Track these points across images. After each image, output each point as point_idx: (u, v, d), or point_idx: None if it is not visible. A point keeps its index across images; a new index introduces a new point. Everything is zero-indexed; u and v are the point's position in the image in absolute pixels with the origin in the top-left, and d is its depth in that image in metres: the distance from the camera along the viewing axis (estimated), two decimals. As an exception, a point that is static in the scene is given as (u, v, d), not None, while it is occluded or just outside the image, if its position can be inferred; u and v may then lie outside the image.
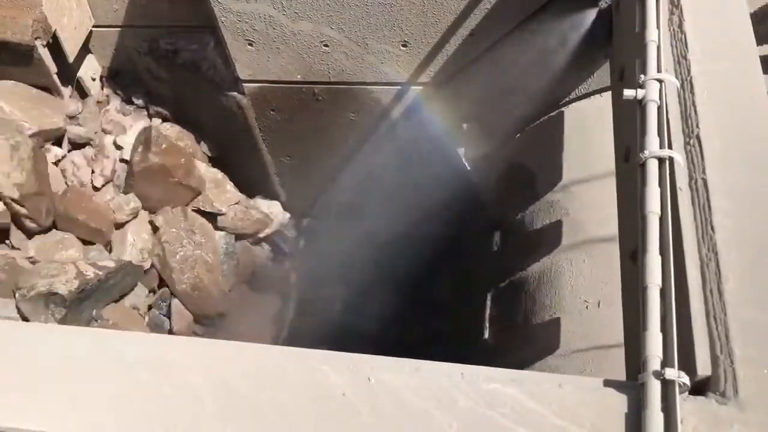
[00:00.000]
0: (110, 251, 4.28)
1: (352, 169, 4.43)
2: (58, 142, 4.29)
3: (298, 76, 3.82)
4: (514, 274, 3.65)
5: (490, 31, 3.37)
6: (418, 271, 4.41)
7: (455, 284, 4.64)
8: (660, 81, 1.73)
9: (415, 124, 3.96)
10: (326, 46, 3.63)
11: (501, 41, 3.39)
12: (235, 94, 4.02)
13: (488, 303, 4.00)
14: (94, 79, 4.44)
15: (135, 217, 4.36)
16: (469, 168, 4.16)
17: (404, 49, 3.57)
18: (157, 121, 4.54)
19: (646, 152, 1.60)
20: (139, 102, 4.59)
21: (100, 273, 3.91)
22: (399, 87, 3.81)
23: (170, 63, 4.24)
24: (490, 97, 3.61)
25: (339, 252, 4.55)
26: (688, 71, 1.81)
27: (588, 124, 3.48)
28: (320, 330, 4.30)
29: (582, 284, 3.19)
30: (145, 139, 4.29)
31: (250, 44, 3.67)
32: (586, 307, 3.13)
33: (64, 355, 1.58)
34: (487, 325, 3.96)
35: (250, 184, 4.67)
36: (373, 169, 4.38)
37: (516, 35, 3.33)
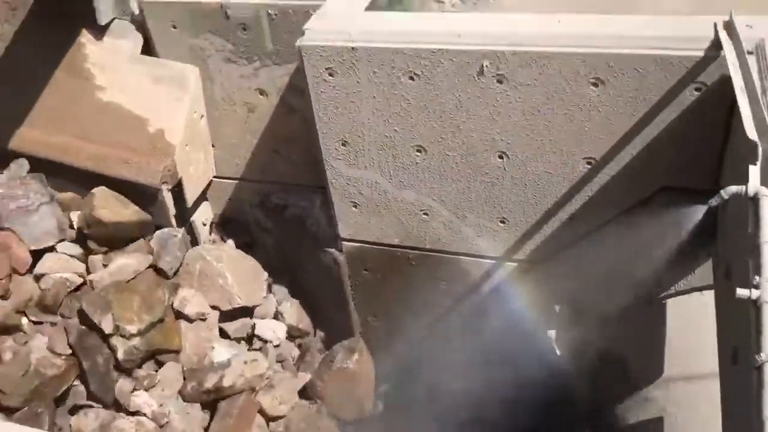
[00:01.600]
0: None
1: (436, 339, 4.38)
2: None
3: (396, 240, 3.95)
4: (602, 472, 3.39)
5: (591, 217, 3.41)
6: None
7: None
8: (776, 283, 1.67)
9: (506, 300, 3.93)
10: (426, 214, 3.77)
11: (602, 228, 3.41)
12: (333, 250, 4.18)
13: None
14: (204, 225, 4.74)
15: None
16: (558, 353, 4.03)
17: (502, 225, 3.65)
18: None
19: (763, 355, 1.52)
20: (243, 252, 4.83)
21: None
22: (493, 261, 3.85)
23: (278, 216, 4.51)
24: (586, 282, 3.56)
25: (413, 427, 4.40)
26: (806, 275, 1.75)
27: (689, 320, 3.35)
28: None
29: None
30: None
31: (355, 206, 3.86)
32: None
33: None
34: None
35: (335, 340, 4.68)
36: (457, 342, 4.31)
37: (618, 224, 3.35)
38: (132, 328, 3.92)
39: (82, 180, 4.18)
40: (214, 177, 4.61)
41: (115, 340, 3.90)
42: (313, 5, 3.68)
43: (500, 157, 3.37)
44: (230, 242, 4.79)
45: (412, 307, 4.22)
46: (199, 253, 4.38)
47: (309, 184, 4.31)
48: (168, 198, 4.16)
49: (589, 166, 3.27)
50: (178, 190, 4.25)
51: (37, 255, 4.07)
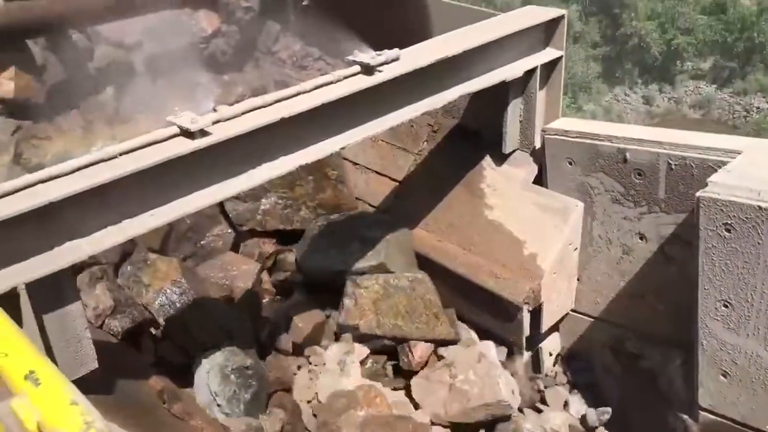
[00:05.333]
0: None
1: None
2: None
3: (767, 427, 3.46)
4: None
5: None
6: None
7: None
8: None
9: None
10: (814, 408, 3.25)
11: None
12: (686, 417, 3.82)
13: None
14: (551, 355, 4.76)
15: None
16: None
17: None
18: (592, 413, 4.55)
19: None
20: (581, 391, 4.71)
21: None
22: None
23: (628, 365, 4.33)
24: None
25: None
26: None
27: None
28: None
29: None
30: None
31: (724, 375, 3.52)
32: None
33: None
34: None
35: None
36: None
37: None
38: None
39: (452, 282, 4.57)
40: (572, 310, 4.64)
41: None
42: (715, 161, 3.63)
43: None
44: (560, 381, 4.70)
45: None
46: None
47: (671, 339, 4.07)
48: (526, 319, 4.31)
49: None
50: (536, 314, 4.38)
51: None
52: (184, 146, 2.81)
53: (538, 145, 4.48)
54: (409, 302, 4.39)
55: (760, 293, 3.24)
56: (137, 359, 3.94)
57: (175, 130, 2.86)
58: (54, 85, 5.22)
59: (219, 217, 5.19)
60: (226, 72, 6.13)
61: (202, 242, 5.08)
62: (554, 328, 4.72)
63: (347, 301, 4.44)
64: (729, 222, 3.22)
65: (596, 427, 4.42)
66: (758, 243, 3.15)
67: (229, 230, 5.19)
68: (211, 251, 5.07)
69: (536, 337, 4.56)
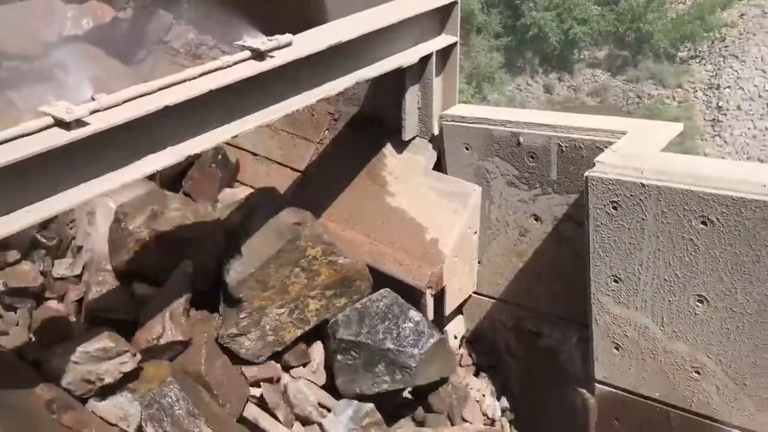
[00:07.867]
0: None
1: None
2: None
3: (657, 394, 3.64)
4: None
5: None
6: None
7: None
8: None
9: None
10: (697, 372, 3.44)
11: None
12: (584, 391, 3.96)
13: None
14: (456, 338, 4.83)
15: None
16: None
17: (791, 403, 3.18)
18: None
19: None
20: (486, 372, 4.81)
21: None
22: (773, 444, 3.34)
23: (529, 344, 4.45)
24: None
25: None
26: None
27: None
28: None
29: None
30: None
31: (617, 348, 3.67)
32: None
33: None
34: None
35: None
36: None
37: None
38: None
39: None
40: (474, 292, 4.73)
41: None
42: (603, 141, 3.76)
43: (800, 323, 3.00)
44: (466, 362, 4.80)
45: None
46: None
47: (568, 318, 4.21)
48: (430, 303, 4.34)
49: None
50: (440, 298, 4.43)
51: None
52: (59, 138, 2.63)
53: (436, 131, 4.51)
54: None
55: (646, 267, 3.39)
56: (26, 370, 3.70)
57: (49, 120, 2.68)
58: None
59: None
60: (115, 63, 5.85)
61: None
62: (458, 311, 4.79)
63: None
64: (615, 200, 3.34)
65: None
66: (642, 219, 3.29)
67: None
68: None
69: (441, 321, 4.61)
